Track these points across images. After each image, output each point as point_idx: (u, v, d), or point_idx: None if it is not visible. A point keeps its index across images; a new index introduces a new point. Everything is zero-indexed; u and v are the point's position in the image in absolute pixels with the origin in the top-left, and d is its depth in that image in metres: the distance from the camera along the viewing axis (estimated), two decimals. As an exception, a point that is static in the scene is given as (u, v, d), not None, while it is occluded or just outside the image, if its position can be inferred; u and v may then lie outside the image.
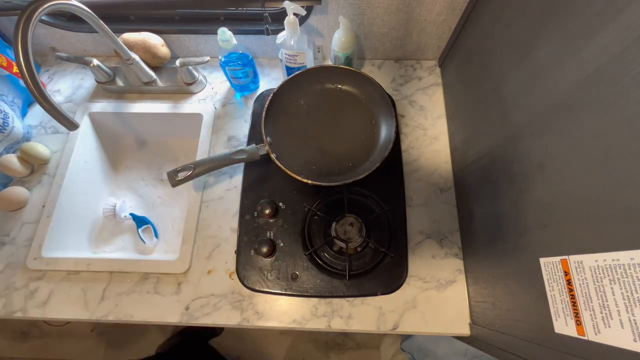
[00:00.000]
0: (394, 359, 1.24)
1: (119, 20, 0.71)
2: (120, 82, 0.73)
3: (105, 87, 0.73)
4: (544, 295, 0.36)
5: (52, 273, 0.60)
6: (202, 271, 0.59)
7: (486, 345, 0.50)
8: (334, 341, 1.28)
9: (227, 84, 0.75)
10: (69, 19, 0.71)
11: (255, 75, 0.72)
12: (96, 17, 0.55)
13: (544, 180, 0.37)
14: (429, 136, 0.69)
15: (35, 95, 0.46)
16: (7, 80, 0.68)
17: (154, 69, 0.73)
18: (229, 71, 0.67)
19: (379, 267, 0.58)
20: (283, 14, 0.59)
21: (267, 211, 0.58)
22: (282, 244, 0.59)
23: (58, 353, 1.32)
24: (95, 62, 0.67)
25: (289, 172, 0.57)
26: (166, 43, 0.73)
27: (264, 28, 0.63)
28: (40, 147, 0.66)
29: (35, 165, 0.67)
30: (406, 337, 1.12)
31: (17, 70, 0.67)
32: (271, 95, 0.62)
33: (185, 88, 0.72)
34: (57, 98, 0.75)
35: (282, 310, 0.57)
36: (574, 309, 0.32)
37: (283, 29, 0.61)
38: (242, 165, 0.66)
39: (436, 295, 0.57)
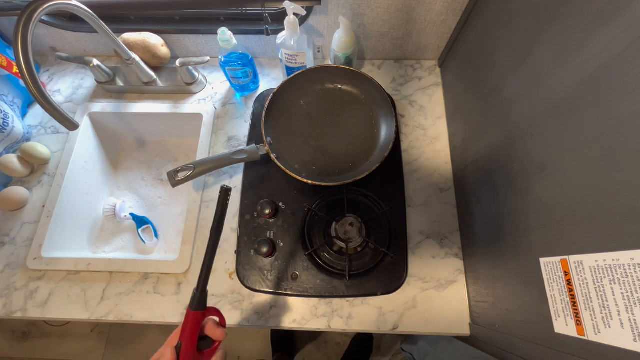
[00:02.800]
0: (394, 359, 1.24)
1: (119, 20, 0.71)
2: (120, 82, 0.73)
3: (105, 87, 0.73)
4: (544, 295, 0.36)
5: (52, 273, 0.60)
6: (202, 271, 0.59)
7: (486, 345, 0.50)
8: (334, 341, 1.28)
9: (227, 84, 0.75)
10: (69, 19, 0.71)
11: (255, 75, 0.72)
12: (96, 17, 0.55)
13: (544, 180, 0.37)
14: (429, 136, 0.69)
15: (35, 95, 0.46)
16: (7, 80, 0.68)
17: (154, 69, 0.73)
18: (229, 71, 0.67)
19: (379, 267, 0.58)
20: (283, 14, 0.59)
21: (267, 211, 0.58)
22: (282, 244, 0.59)
23: (58, 353, 1.32)
24: (95, 62, 0.67)
25: (289, 172, 0.57)
26: (166, 43, 0.73)
27: (264, 28, 0.63)
28: (40, 147, 0.66)
29: (35, 165, 0.67)
30: (406, 337, 1.12)
31: (17, 70, 0.67)
32: (271, 95, 0.62)
33: (185, 88, 0.72)
34: (57, 98, 0.75)
35: (282, 310, 0.57)
36: (574, 309, 0.32)
37: (283, 29, 0.61)
38: (242, 165, 0.66)
39: (436, 295, 0.57)
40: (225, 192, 0.35)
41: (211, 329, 0.35)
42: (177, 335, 0.35)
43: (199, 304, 0.34)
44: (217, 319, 0.37)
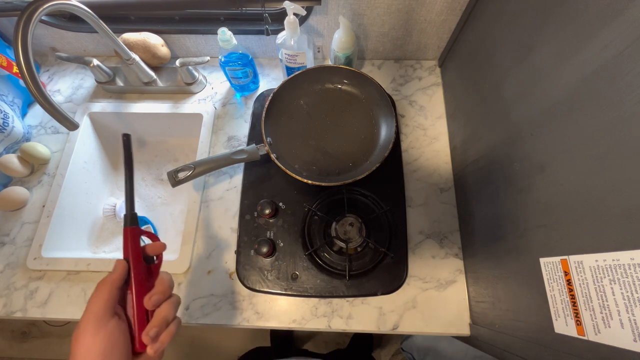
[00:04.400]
0: (394, 359, 1.24)
1: (119, 20, 0.71)
2: (120, 82, 0.73)
3: (105, 87, 0.73)
4: (544, 295, 0.36)
5: (52, 273, 0.60)
6: (202, 271, 0.59)
7: (486, 345, 0.50)
8: (334, 341, 1.28)
9: (227, 84, 0.75)
10: (69, 19, 0.71)
11: (255, 75, 0.72)
12: (96, 17, 0.55)
13: (544, 180, 0.37)
14: (429, 136, 0.69)
15: (35, 95, 0.46)
16: (7, 80, 0.68)
17: (154, 69, 0.73)
18: (229, 71, 0.67)
19: (379, 267, 0.58)
20: (283, 14, 0.59)
21: (267, 211, 0.58)
22: (282, 244, 0.59)
23: (58, 353, 1.32)
24: (95, 62, 0.67)
25: (289, 172, 0.57)
26: (166, 43, 0.73)
27: (264, 28, 0.63)
28: (40, 147, 0.66)
29: (35, 165, 0.67)
30: (406, 337, 1.12)
31: (17, 70, 0.67)
32: (271, 95, 0.62)
33: (185, 88, 0.72)
34: (57, 98, 0.75)
35: (282, 310, 0.57)
36: (574, 309, 0.32)
37: (283, 29, 0.61)
38: (242, 165, 0.66)
39: (436, 295, 0.57)
40: (127, 139, 0.42)
41: (150, 247, 0.39)
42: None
43: (132, 221, 0.39)
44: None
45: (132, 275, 0.36)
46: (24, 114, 0.73)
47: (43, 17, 0.68)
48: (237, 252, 0.59)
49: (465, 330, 0.55)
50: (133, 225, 0.39)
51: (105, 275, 0.58)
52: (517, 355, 0.41)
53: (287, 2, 0.56)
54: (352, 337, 1.26)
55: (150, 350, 0.33)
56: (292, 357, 0.65)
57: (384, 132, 0.64)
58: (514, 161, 0.43)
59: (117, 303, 0.34)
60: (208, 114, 0.71)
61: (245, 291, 0.58)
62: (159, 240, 0.41)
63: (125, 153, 0.42)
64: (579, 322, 0.31)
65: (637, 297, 0.25)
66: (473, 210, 0.56)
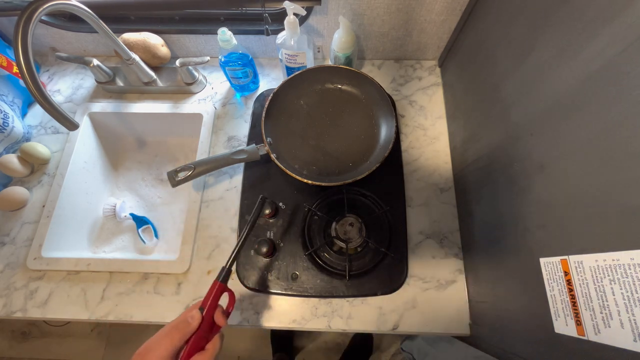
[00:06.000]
0: (393, 359, 1.24)
1: (119, 20, 0.71)
2: (120, 82, 0.73)
3: (105, 87, 0.73)
4: (544, 295, 0.36)
5: (52, 273, 0.59)
6: (202, 271, 0.59)
7: (486, 345, 0.50)
8: (334, 341, 1.28)
9: (227, 84, 0.75)
10: (69, 19, 0.71)
11: (255, 75, 0.72)
12: (96, 17, 0.55)
13: (544, 180, 0.37)
14: (429, 136, 0.69)
15: (35, 95, 0.46)
16: (7, 80, 0.68)
17: (154, 69, 0.73)
18: (229, 71, 0.67)
19: (379, 267, 0.58)
20: (283, 14, 0.59)
21: (267, 211, 0.58)
22: (282, 244, 0.59)
23: (58, 353, 1.32)
24: (95, 62, 0.67)
25: (289, 172, 0.57)
26: (166, 43, 0.73)
27: (264, 28, 0.63)
28: (40, 147, 0.66)
29: (35, 165, 0.67)
30: (406, 337, 1.12)
31: (17, 70, 0.67)
32: (271, 95, 0.62)
33: (185, 88, 0.72)
34: (57, 98, 0.75)
35: (282, 310, 0.57)
36: (574, 309, 0.32)
37: (283, 29, 0.61)
38: (242, 165, 0.66)
39: (436, 295, 0.57)
40: (263, 201, 0.48)
41: (218, 315, 0.42)
42: (198, 304, 0.42)
43: (225, 278, 0.43)
44: (223, 307, 0.44)
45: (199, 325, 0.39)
46: (24, 114, 0.73)
47: (43, 17, 0.68)
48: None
49: (465, 330, 0.55)
50: (224, 281, 0.43)
51: (104, 274, 0.59)
52: (517, 355, 0.41)
53: (287, 2, 0.56)
54: (352, 338, 1.26)
55: None
56: None
57: (384, 132, 0.64)
58: (514, 161, 0.43)
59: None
60: (208, 114, 0.71)
61: (245, 291, 0.58)
62: (231, 310, 0.44)
63: (255, 213, 0.47)
64: (579, 322, 0.31)
65: (637, 297, 0.25)
66: (473, 210, 0.56)
